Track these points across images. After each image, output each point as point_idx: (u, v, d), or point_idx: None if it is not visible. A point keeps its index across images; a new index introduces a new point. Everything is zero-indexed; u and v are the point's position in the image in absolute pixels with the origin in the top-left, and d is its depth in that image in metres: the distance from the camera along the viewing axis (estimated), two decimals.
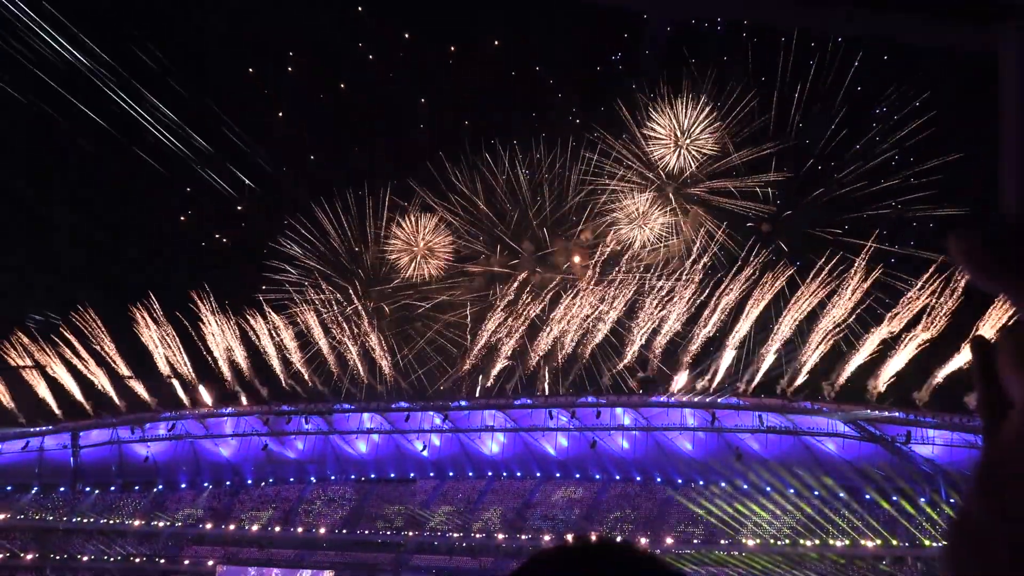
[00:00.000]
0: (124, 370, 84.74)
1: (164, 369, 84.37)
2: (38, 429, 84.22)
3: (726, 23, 69.70)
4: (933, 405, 64.89)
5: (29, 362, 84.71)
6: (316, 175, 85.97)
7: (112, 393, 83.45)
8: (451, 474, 79.09)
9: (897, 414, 66.08)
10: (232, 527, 77.88)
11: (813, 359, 69.48)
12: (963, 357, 64.65)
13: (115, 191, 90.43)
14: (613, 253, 78.22)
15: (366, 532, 75.27)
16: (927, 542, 61.99)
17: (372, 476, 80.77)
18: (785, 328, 71.09)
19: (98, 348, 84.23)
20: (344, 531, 75.67)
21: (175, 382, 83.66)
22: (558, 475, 76.33)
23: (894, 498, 65.70)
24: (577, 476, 75.46)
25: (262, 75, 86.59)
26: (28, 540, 78.43)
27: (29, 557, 77.10)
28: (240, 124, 78.04)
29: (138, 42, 73.68)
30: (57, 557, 77.18)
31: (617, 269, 76.83)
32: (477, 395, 78.27)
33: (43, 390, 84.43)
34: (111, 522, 79.39)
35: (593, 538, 2.40)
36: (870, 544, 63.42)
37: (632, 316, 75.49)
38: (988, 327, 63.29)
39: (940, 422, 64.60)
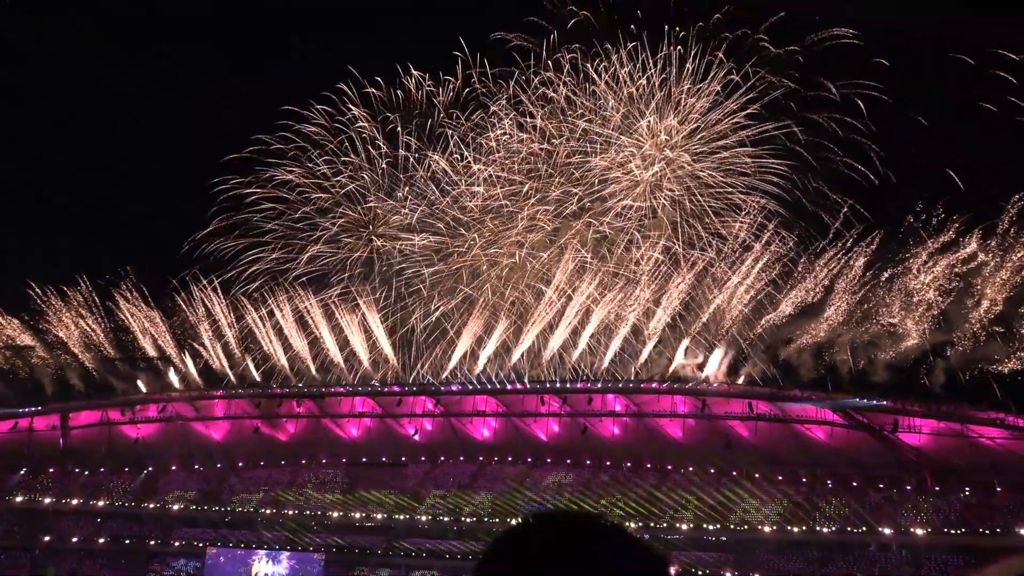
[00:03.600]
0: (113, 351, 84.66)
1: (153, 351, 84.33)
2: (27, 410, 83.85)
3: None
4: (922, 393, 65.61)
5: (19, 342, 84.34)
6: None
7: (103, 374, 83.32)
8: (442, 458, 79.38)
9: (885, 403, 66.72)
10: (223, 509, 77.93)
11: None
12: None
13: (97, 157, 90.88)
14: None
15: (357, 515, 75.48)
16: (912, 529, 62.78)
17: (363, 460, 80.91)
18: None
19: (88, 329, 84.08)
20: (335, 514, 75.84)
21: (165, 364, 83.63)
22: (549, 460, 76.72)
23: (881, 485, 66.48)
24: (568, 461, 75.88)
25: None
26: (17, 520, 78.24)
27: (18, 538, 76.95)
28: None
29: None
30: (46, 538, 77.05)
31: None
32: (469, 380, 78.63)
33: (33, 370, 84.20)
34: (101, 503, 79.32)
35: (562, 513, 2.49)
36: (857, 531, 64.16)
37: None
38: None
39: (928, 411, 65.37)
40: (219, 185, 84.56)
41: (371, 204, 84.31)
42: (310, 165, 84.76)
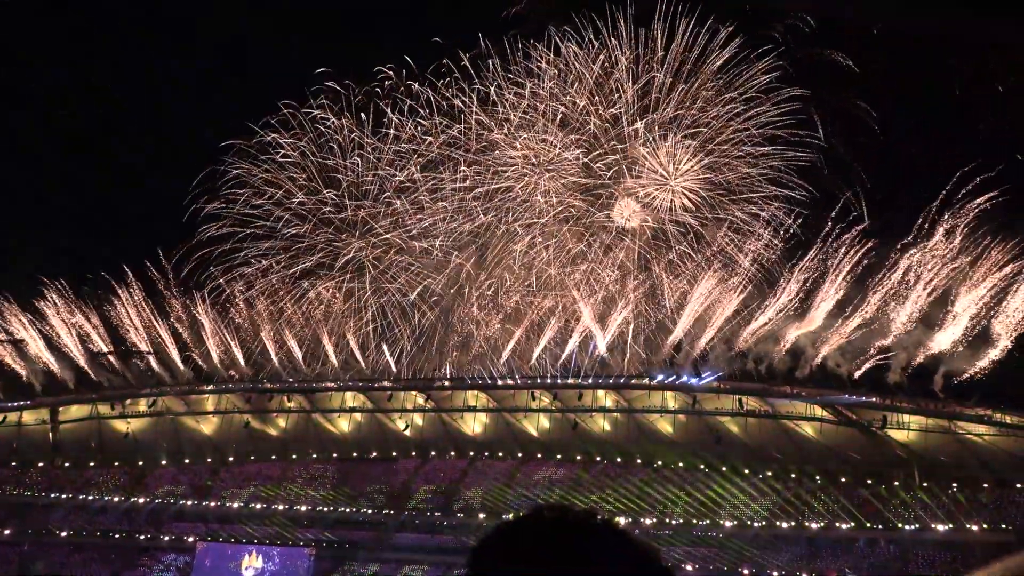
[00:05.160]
0: (103, 345, 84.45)
1: (143, 346, 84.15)
2: (16, 404, 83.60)
3: None
4: (909, 390, 66.11)
5: (7, 336, 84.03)
6: None
7: (93, 369, 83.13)
8: (433, 454, 79.42)
9: (874, 399, 67.22)
10: (213, 504, 77.82)
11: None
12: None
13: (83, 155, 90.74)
14: None
15: (347, 510, 75.51)
16: (900, 525, 63.22)
17: (354, 455, 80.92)
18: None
19: (77, 323, 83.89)
20: (325, 509, 75.85)
21: (152, 359, 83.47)
22: (539, 456, 76.81)
23: (869, 481, 66.87)
24: (558, 457, 76.00)
25: None
26: (6, 515, 77.94)
27: (7, 532, 76.68)
28: None
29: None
30: (35, 532, 76.80)
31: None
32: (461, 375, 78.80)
33: (22, 365, 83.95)
34: (90, 498, 79.06)
35: (564, 510, 2.45)
36: (845, 526, 64.58)
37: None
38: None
39: (915, 407, 65.88)
40: (197, 199, 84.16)
41: (347, 214, 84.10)
42: (288, 169, 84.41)
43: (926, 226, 68.15)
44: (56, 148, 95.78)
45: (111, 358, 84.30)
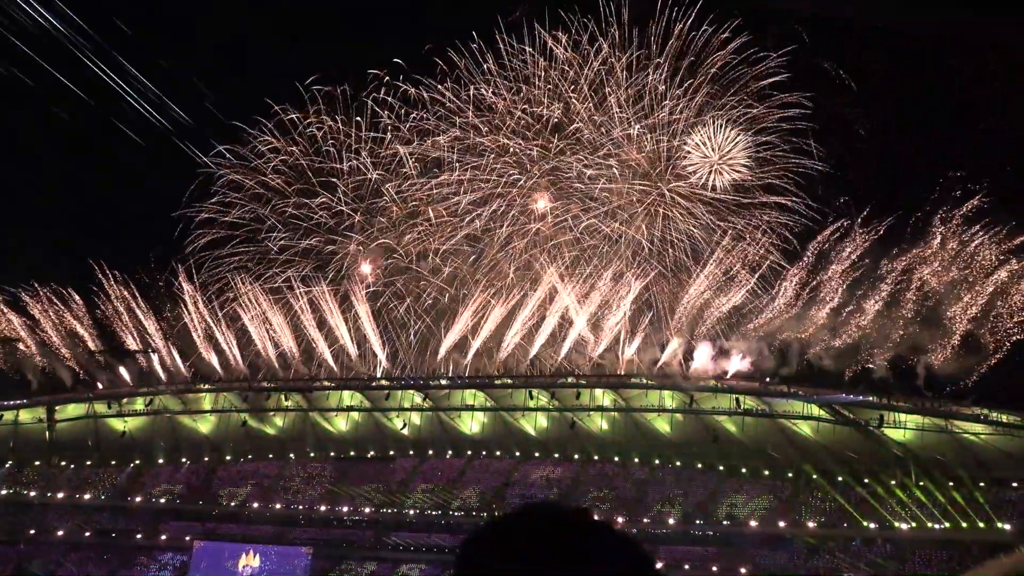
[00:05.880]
0: (95, 344, 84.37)
1: (136, 344, 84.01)
2: (12, 403, 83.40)
3: None
4: (906, 390, 66.28)
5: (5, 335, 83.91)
6: None
7: (88, 367, 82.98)
8: (430, 453, 79.41)
9: (871, 398, 67.32)
10: (210, 503, 77.68)
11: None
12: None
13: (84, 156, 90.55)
14: None
15: (345, 509, 75.46)
16: (897, 524, 63.30)
17: (351, 454, 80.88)
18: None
19: (73, 322, 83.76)
20: (323, 508, 75.79)
21: (146, 357, 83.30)
22: (537, 455, 76.90)
23: (866, 480, 66.94)
24: (556, 456, 76.07)
25: None
26: (2, 514, 77.77)
27: (4, 531, 76.47)
28: None
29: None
30: (32, 531, 76.63)
31: None
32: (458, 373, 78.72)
33: (18, 364, 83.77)
34: (87, 497, 78.93)
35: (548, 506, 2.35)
36: (842, 525, 64.61)
37: None
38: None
39: (912, 407, 65.99)
40: (194, 201, 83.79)
41: (343, 218, 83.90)
42: (284, 172, 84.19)
43: (921, 239, 68.50)
44: (56, 148, 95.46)
45: (107, 357, 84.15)
